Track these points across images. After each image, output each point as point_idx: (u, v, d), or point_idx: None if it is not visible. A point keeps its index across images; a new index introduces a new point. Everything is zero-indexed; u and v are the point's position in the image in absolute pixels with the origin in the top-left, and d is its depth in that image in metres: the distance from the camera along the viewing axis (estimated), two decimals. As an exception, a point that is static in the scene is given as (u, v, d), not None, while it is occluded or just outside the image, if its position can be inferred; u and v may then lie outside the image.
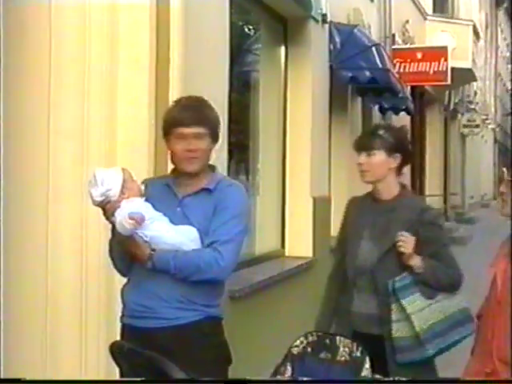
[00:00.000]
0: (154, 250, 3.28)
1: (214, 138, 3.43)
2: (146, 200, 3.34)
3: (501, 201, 2.81)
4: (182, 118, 3.34)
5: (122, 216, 3.21)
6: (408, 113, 14.18)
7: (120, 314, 3.49)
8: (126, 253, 3.35)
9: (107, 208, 3.27)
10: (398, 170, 3.83)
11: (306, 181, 8.55)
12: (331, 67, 9.78)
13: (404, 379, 3.18)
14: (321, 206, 8.87)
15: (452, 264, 3.77)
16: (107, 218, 3.31)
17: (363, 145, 3.83)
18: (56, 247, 4.40)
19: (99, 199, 3.26)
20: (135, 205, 3.25)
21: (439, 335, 3.51)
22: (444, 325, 3.56)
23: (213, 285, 3.34)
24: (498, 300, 2.59)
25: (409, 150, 3.91)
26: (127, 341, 3.31)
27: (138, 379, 3.24)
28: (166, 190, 3.43)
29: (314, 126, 8.73)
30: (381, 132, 3.81)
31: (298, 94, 8.59)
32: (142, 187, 3.35)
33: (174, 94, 4.63)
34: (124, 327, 3.43)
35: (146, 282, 3.31)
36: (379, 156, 3.73)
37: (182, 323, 3.28)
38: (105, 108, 4.48)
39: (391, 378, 3.09)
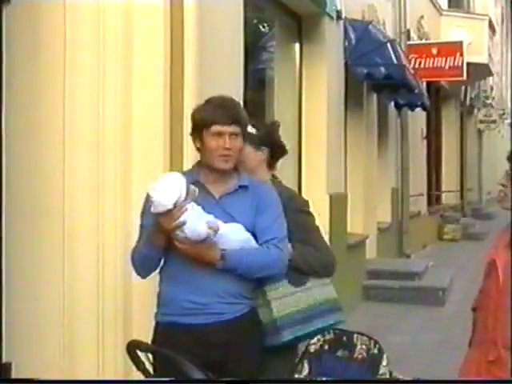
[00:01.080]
0: (223, 249, 3.32)
1: (244, 137, 3.49)
2: None
3: (502, 194, 2.81)
4: (221, 116, 3.38)
5: (197, 222, 3.22)
6: (424, 109, 14.14)
7: (153, 312, 3.49)
8: (193, 255, 3.30)
9: (173, 214, 3.20)
10: (269, 163, 3.88)
11: (321, 178, 8.54)
12: (346, 64, 9.76)
13: (408, 379, 3.15)
14: (337, 203, 8.86)
15: (322, 248, 3.83)
16: (167, 225, 3.23)
17: None
18: (72, 248, 4.40)
19: (171, 207, 3.18)
20: (200, 210, 3.25)
21: (299, 322, 3.54)
22: (307, 313, 3.58)
23: (255, 278, 3.43)
24: (499, 289, 2.61)
25: (278, 144, 3.91)
26: (170, 338, 3.34)
27: (148, 379, 3.27)
28: (200, 190, 3.37)
29: (330, 122, 8.72)
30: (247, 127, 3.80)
31: (313, 91, 8.58)
32: (196, 190, 3.29)
33: (189, 93, 4.65)
34: (166, 325, 3.41)
35: (200, 279, 3.32)
36: (246, 149, 3.67)
37: (232, 317, 3.35)
38: (120, 109, 4.49)
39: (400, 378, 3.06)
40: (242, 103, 5.79)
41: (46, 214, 4.45)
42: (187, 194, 3.22)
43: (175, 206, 3.18)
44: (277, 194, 3.55)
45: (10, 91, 4.43)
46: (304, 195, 8.53)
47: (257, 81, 7.95)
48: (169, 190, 3.18)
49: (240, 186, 3.44)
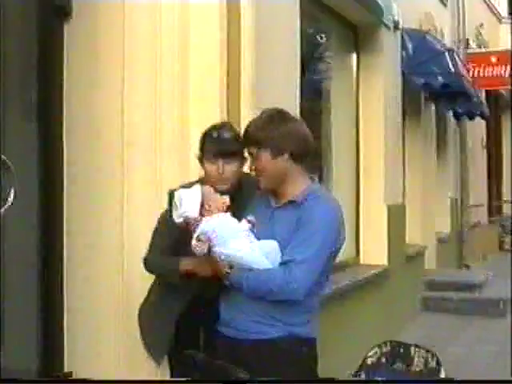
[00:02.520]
0: (231, 267, 3.27)
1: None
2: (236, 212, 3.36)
3: None
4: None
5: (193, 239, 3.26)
6: (483, 117, 13.95)
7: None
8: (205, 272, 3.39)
9: (188, 228, 3.29)
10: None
11: (379, 188, 8.48)
12: (403, 73, 9.69)
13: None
14: (395, 214, 8.79)
15: None
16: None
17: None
18: (132, 247, 4.44)
19: (179, 221, 3.31)
20: (210, 224, 3.25)
21: None
22: None
23: (298, 302, 3.25)
24: None
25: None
26: (216, 345, 3.38)
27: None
28: (264, 201, 3.43)
29: (387, 132, 8.67)
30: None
31: (371, 101, 8.54)
32: (227, 200, 3.33)
33: (245, 104, 4.66)
34: (215, 332, 3.43)
35: (232, 293, 3.33)
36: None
37: (261, 338, 3.25)
38: (176, 116, 4.52)
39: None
40: (298, 113, 5.81)
41: (102, 221, 4.53)
42: (205, 205, 3.28)
43: (184, 220, 3.29)
44: (328, 211, 3.31)
45: (70, 102, 4.52)
46: (362, 206, 8.49)
47: (313, 91, 7.93)
48: (176, 205, 3.31)
49: (290, 201, 3.32)
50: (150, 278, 4.40)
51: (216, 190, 3.42)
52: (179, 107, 4.52)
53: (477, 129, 15.75)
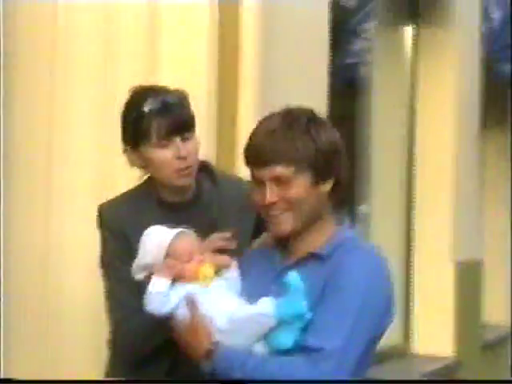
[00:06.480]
0: (216, 342, 3.18)
1: None
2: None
3: None
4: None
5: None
6: None
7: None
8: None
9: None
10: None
11: (443, 235, 8.52)
12: (487, 57, 9.73)
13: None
14: (467, 277, 8.84)
15: None
16: None
17: None
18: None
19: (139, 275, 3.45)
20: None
21: None
22: None
23: None
24: None
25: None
26: None
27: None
28: (266, 259, 3.39)
29: (459, 148, 8.67)
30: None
31: (434, 100, 8.61)
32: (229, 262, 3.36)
33: (245, 102, 4.86)
34: None
35: None
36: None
37: None
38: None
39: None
40: (324, 112, 5.93)
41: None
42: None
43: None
44: (372, 270, 3.28)
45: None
46: (415, 262, 8.54)
47: (346, 81, 8.00)
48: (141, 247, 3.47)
49: (310, 255, 3.24)
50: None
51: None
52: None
53: None
